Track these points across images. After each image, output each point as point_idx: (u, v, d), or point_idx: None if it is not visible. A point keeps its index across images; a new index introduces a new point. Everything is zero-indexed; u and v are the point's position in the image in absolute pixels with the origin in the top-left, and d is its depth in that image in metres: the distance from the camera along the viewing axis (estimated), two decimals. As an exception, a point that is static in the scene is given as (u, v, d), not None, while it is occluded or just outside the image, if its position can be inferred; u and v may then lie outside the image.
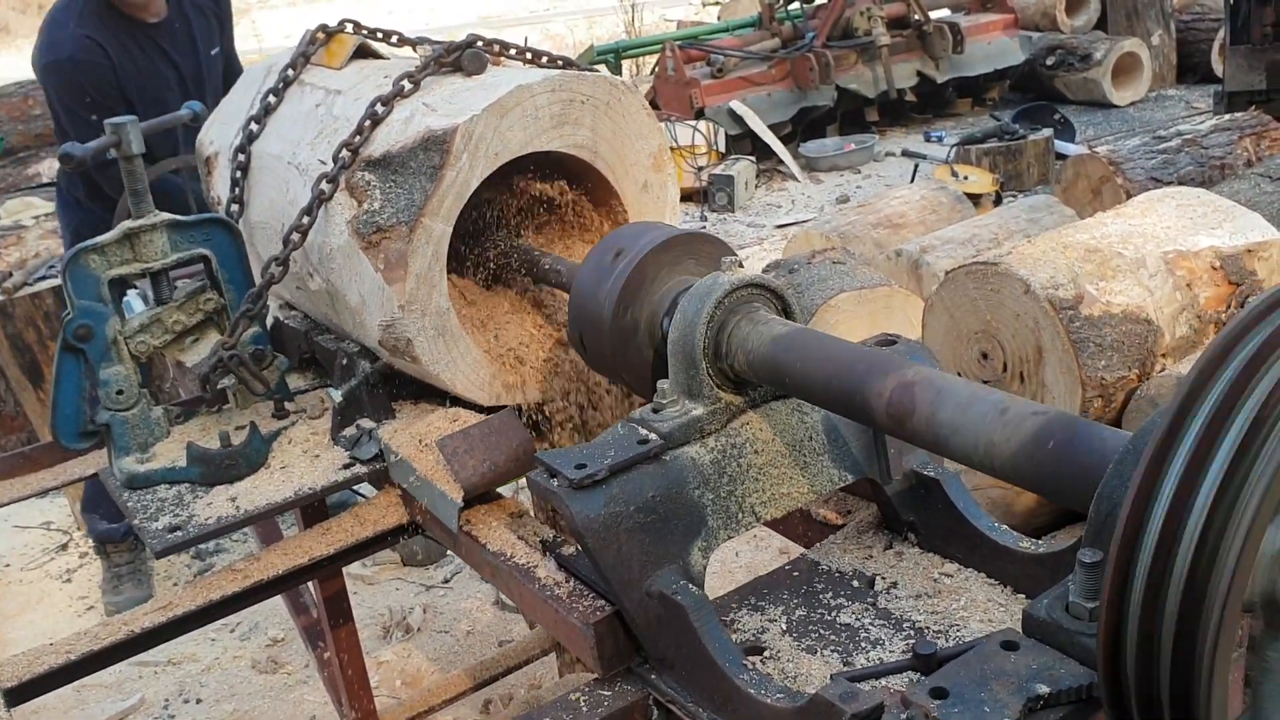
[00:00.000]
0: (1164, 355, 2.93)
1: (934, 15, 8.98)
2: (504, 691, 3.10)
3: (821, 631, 1.34)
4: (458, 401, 1.85)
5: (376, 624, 3.56)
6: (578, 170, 1.94)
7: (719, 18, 11.63)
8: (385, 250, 1.72)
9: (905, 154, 8.30)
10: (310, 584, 2.53)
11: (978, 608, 1.33)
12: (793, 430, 1.43)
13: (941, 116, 9.40)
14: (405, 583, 3.80)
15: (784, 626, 1.35)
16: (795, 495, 1.41)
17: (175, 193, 2.98)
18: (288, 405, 1.99)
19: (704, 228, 7.32)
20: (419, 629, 3.53)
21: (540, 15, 18.04)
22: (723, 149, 8.12)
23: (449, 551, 2.53)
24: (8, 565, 4.21)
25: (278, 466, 1.84)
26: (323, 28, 2.20)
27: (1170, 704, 0.86)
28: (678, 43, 8.82)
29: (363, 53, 2.17)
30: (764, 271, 4.17)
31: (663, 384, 1.39)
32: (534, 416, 1.87)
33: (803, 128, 8.68)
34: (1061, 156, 6.94)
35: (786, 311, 1.46)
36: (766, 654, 1.31)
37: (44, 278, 4.39)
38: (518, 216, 2.01)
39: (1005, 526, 1.41)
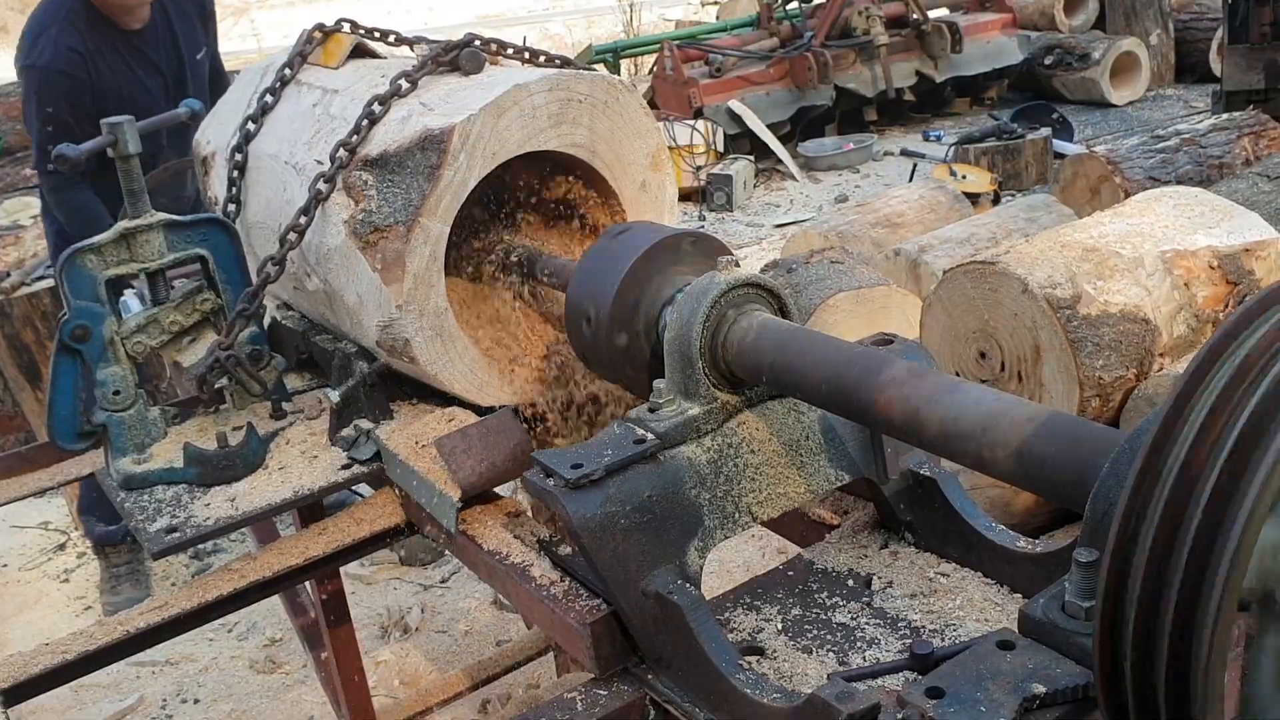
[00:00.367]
0: (1162, 354, 2.93)
1: (932, 15, 8.99)
2: (502, 691, 3.10)
3: (817, 631, 1.34)
4: (456, 402, 1.85)
5: (375, 624, 3.56)
6: (575, 170, 1.93)
7: (717, 17, 11.64)
8: (382, 250, 1.72)
9: (904, 153, 8.31)
10: (308, 584, 2.53)
11: (974, 607, 1.33)
12: (789, 430, 1.42)
13: (940, 116, 9.40)
14: (403, 582, 3.80)
15: (780, 626, 1.35)
16: (792, 495, 1.41)
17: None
18: (285, 406, 1.99)
19: (702, 227, 7.32)
20: (417, 629, 3.53)
21: (538, 15, 18.04)
22: (721, 148, 8.12)
23: (447, 551, 2.53)
24: (5, 565, 4.21)
25: (275, 467, 1.83)
26: (319, 27, 2.20)
27: (1167, 703, 0.86)
28: (676, 42, 8.82)
29: (360, 52, 2.17)
30: (762, 271, 4.17)
31: (659, 384, 1.39)
32: (531, 416, 1.87)
33: (801, 127, 8.68)
34: (1060, 156, 6.94)
35: (783, 311, 1.45)
36: (763, 654, 1.31)
37: (41, 277, 4.39)
38: (515, 216, 2.01)
39: (1002, 526, 1.41)
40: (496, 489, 1.74)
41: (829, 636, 1.32)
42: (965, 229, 4.51)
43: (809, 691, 1.07)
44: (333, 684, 2.59)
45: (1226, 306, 3.03)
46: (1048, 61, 9.21)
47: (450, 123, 1.70)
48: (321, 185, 1.78)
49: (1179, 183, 4.53)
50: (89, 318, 1.79)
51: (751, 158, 8.08)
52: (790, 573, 1.47)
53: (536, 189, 1.99)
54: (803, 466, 1.42)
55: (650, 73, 9.30)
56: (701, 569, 1.32)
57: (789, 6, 9.16)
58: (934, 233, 4.55)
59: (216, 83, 3.55)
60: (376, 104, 1.80)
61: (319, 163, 1.84)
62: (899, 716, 0.95)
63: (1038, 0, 9.80)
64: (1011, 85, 9.54)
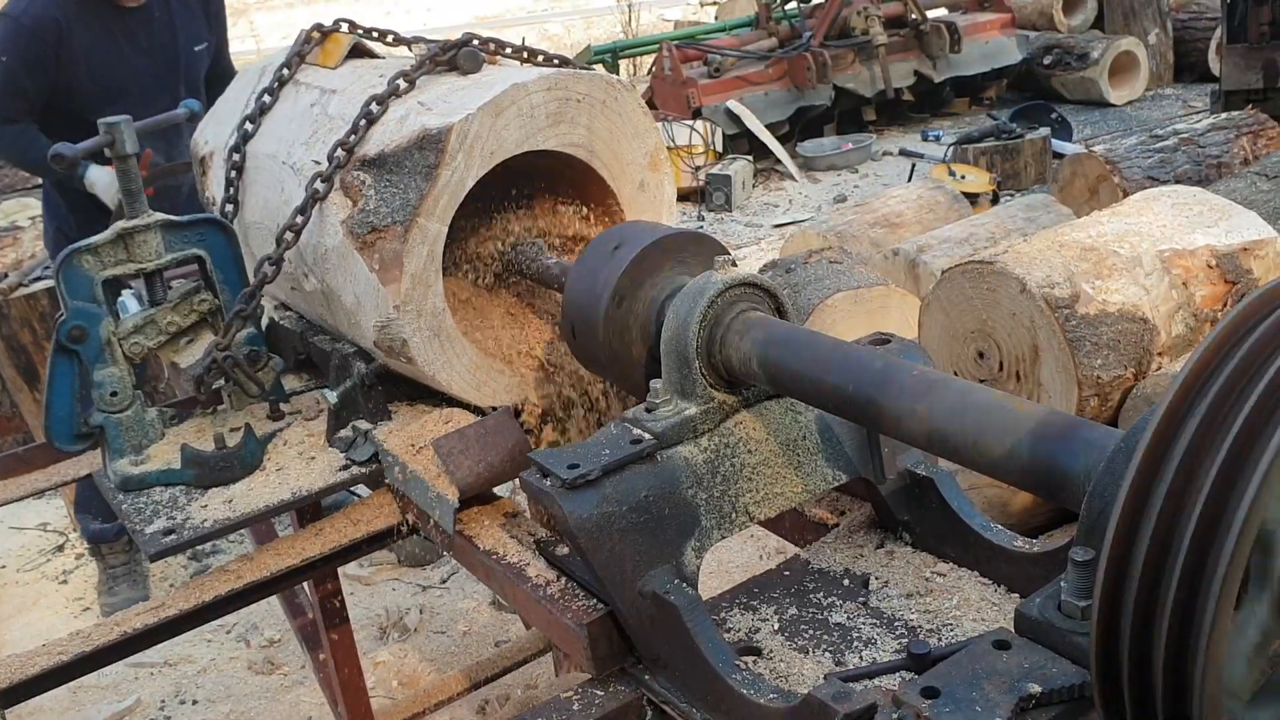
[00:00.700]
0: (1160, 354, 2.93)
1: (931, 14, 8.99)
2: (500, 692, 3.10)
3: (814, 631, 1.34)
4: (453, 402, 1.85)
5: (373, 624, 3.56)
6: (573, 169, 1.93)
7: (716, 17, 11.64)
8: (380, 250, 1.72)
9: (903, 153, 8.31)
10: (306, 585, 2.53)
11: (971, 607, 1.33)
12: (786, 429, 1.42)
13: (939, 116, 9.41)
14: (402, 583, 3.80)
15: (776, 626, 1.35)
16: (789, 495, 1.41)
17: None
18: (283, 407, 1.98)
19: (701, 227, 7.32)
20: (416, 629, 3.53)
21: (537, 15, 18.04)
22: (720, 148, 8.12)
23: (445, 552, 2.53)
24: (4, 567, 4.20)
25: (273, 468, 1.83)
26: (318, 27, 2.20)
27: (1163, 702, 0.86)
28: (675, 42, 8.83)
29: (358, 52, 2.16)
30: (761, 271, 4.17)
31: (656, 383, 1.39)
32: (529, 417, 1.87)
33: (800, 127, 8.68)
34: (1059, 156, 6.94)
35: (780, 310, 1.45)
36: (760, 654, 1.31)
37: (39, 278, 4.38)
38: (513, 215, 2.01)
39: (999, 525, 1.41)
40: (494, 489, 1.74)
41: (826, 636, 1.32)
42: (964, 229, 4.51)
43: (805, 692, 1.07)
44: (331, 685, 2.59)
45: (1225, 305, 3.03)
46: (1046, 61, 9.21)
47: (448, 122, 1.70)
48: (319, 185, 1.78)
49: (1177, 182, 4.53)
50: (86, 318, 1.79)
51: (750, 158, 8.08)
52: (787, 573, 1.47)
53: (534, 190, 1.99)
54: (800, 466, 1.42)
55: (649, 73, 9.31)
56: (698, 569, 1.32)
57: (787, 6, 9.16)
58: (932, 232, 4.55)
59: (223, 80, 3.54)
60: (374, 104, 1.80)
61: (316, 163, 1.84)
62: (894, 716, 0.95)
63: (1036, 0, 9.81)
64: (1010, 85, 9.54)
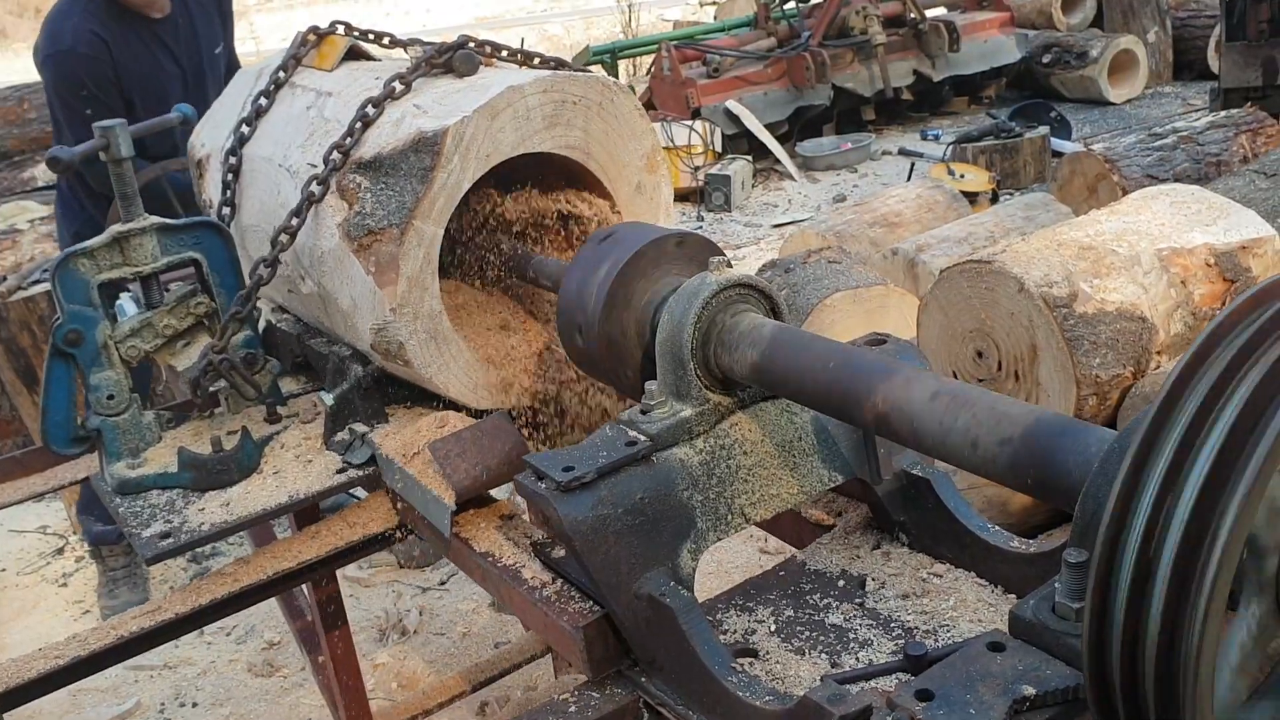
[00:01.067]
0: (1159, 352, 2.93)
1: (930, 13, 9.00)
2: (500, 693, 3.10)
3: (810, 632, 1.34)
4: (451, 405, 1.85)
5: (373, 626, 3.56)
6: (571, 171, 1.93)
7: (715, 17, 11.64)
8: (376, 253, 1.72)
9: (902, 152, 8.31)
10: (304, 587, 2.53)
11: (967, 608, 1.33)
12: (782, 431, 1.42)
13: (938, 115, 9.41)
14: (401, 585, 3.80)
15: (772, 627, 1.35)
16: (785, 496, 1.41)
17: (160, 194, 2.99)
18: (280, 409, 1.98)
19: (701, 227, 7.32)
20: (415, 631, 3.53)
21: (537, 16, 18.05)
22: (719, 148, 8.12)
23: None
24: (3, 570, 4.21)
25: (270, 471, 1.83)
26: (314, 29, 2.20)
27: (1155, 704, 0.86)
28: (674, 43, 8.83)
29: (354, 54, 2.16)
30: (760, 271, 4.18)
31: (651, 385, 1.39)
32: (526, 419, 1.87)
33: (799, 127, 8.69)
34: (1058, 154, 6.95)
35: (775, 311, 1.45)
36: (756, 655, 1.31)
37: (38, 281, 4.38)
38: (510, 217, 2.01)
39: (996, 526, 1.41)
40: (491, 491, 1.74)
41: (822, 638, 1.32)
42: (963, 228, 4.51)
43: (801, 694, 1.07)
44: (330, 687, 2.59)
45: (1223, 304, 3.03)
46: (1045, 60, 9.21)
47: (444, 125, 1.70)
48: (315, 187, 1.78)
49: (1177, 180, 4.53)
50: (82, 322, 1.79)
51: (749, 158, 8.08)
52: (783, 574, 1.47)
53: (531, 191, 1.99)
54: (795, 467, 1.42)
55: (648, 73, 9.30)
56: (694, 571, 1.32)
57: (786, 6, 9.17)
58: (931, 232, 4.55)
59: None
60: (370, 106, 1.80)
61: (312, 165, 1.84)
62: (889, 719, 0.95)
63: (1035, -2, 9.82)
64: (1009, 84, 9.54)
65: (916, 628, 1.31)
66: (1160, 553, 0.82)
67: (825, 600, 1.39)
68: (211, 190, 2.20)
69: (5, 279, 4.43)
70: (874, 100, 8.83)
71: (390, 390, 1.93)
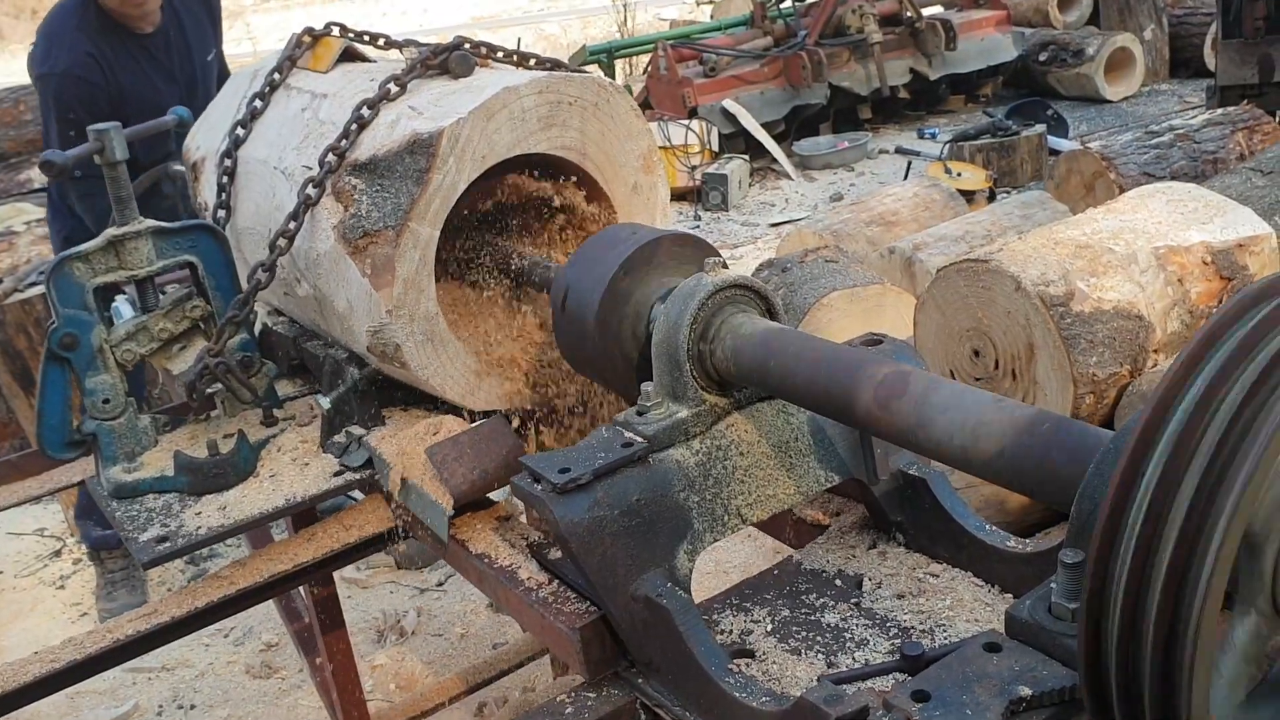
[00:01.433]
0: (1156, 351, 2.93)
1: (926, 12, 8.99)
2: (498, 694, 3.10)
3: (807, 633, 1.34)
4: (447, 407, 1.85)
5: (371, 627, 3.56)
6: (567, 172, 1.93)
7: (712, 17, 11.64)
8: (372, 255, 1.72)
9: (899, 151, 8.31)
10: (302, 589, 2.52)
11: (964, 607, 1.33)
12: (778, 431, 1.42)
13: (934, 113, 9.41)
14: (399, 586, 3.79)
15: (769, 628, 1.35)
16: (781, 497, 1.41)
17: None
18: (276, 412, 1.98)
19: (698, 227, 7.32)
20: (413, 632, 3.53)
21: (534, 15, 18.04)
22: (716, 148, 8.12)
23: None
24: (1, 572, 4.20)
25: (267, 475, 1.83)
26: (308, 31, 2.20)
27: (1151, 704, 0.85)
28: (670, 42, 8.82)
29: (349, 56, 2.16)
30: (757, 270, 4.17)
31: (647, 386, 1.39)
32: (524, 421, 1.87)
33: (796, 126, 8.68)
34: (1055, 152, 6.94)
35: (770, 312, 1.45)
36: (753, 656, 1.31)
37: (35, 284, 4.38)
38: (507, 218, 2.01)
39: (993, 526, 1.41)
40: (489, 494, 1.74)
41: (818, 638, 1.32)
42: (960, 226, 4.51)
43: (798, 694, 1.07)
44: (328, 688, 2.59)
45: (1220, 302, 3.03)
46: (1042, 58, 9.21)
47: (439, 126, 1.70)
48: (310, 190, 1.78)
49: (1174, 178, 4.53)
50: (77, 326, 1.79)
51: (746, 157, 8.08)
52: (779, 574, 1.46)
53: (535, 189, 1.98)
54: (792, 468, 1.42)
55: (645, 73, 9.30)
56: (691, 572, 1.32)
57: (782, 5, 9.17)
58: (929, 231, 4.55)
59: (222, 83, 3.55)
60: (365, 108, 1.79)
61: (308, 168, 1.84)
62: (885, 720, 0.95)
63: (1031, -4, 9.82)
64: (1006, 82, 9.54)
65: (913, 627, 1.31)
66: (1156, 553, 0.82)
67: (822, 600, 1.39)
68: (207, 193, 2.19)
69: (2, 281, 4.42)
70: (871, 99, 8.83)
71: (387, 393, 1.92)
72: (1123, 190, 4.44)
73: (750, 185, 8.06)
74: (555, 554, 1.51)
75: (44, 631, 3.76)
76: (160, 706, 3.33)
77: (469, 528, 1.63)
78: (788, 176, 8.18)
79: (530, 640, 2.83)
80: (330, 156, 1.77)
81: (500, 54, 2.00)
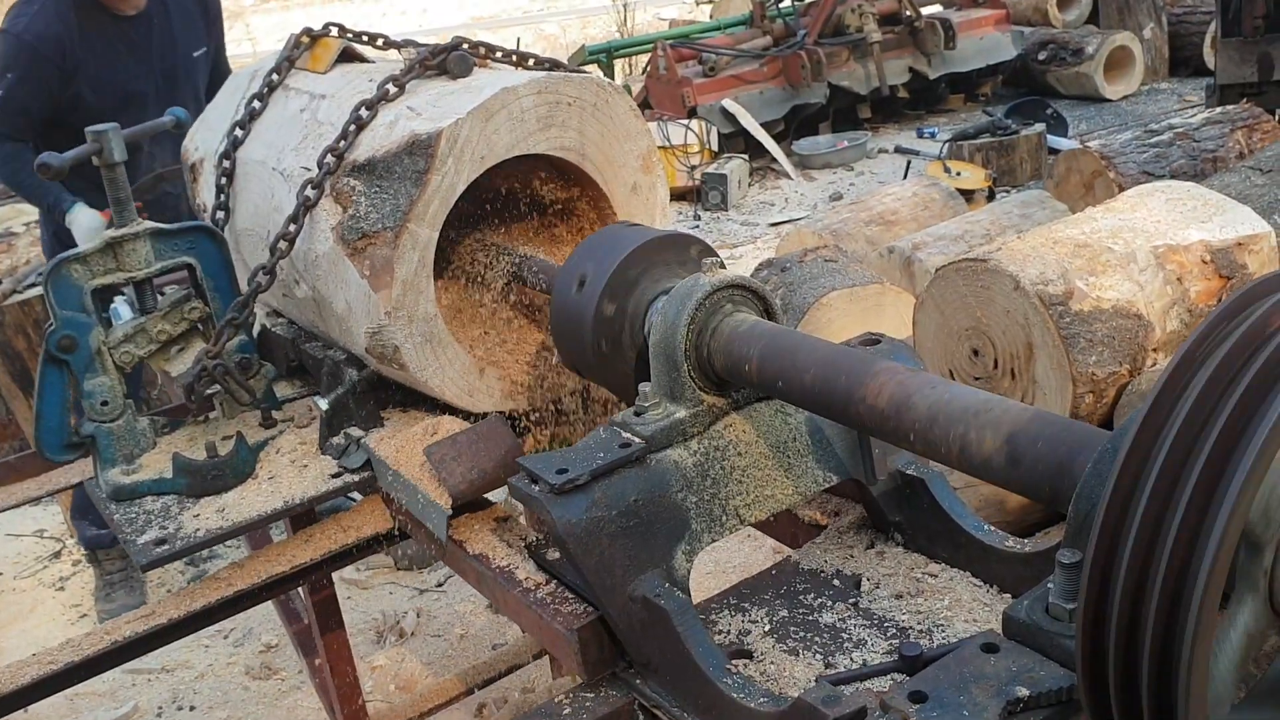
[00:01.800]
0: (1155, 350, 2.92)
1: (925, 11, 8.99)
2: (498, 695, 3.10)
3: (805, 633, 1.33)
4: (446, 408, 1.85)
5: (370, 628, 3.56)
6: (566, 173, 1.93)
7: (711, 16, 11.63)
8: (371, 256, 1.72)
9: (898, 150, 8.31)
10: (301, 590, 2.52)
11: (962, 608, 1.33)
12: (776, 432, 1.42)
13: (934, 113, 9.41)
14: (399, 587, 3.79)
15: (767, 628, 1.35)
16: (779, 497, 1.41)
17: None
18: (275, 414, 1.98)
19: (697, 226, 7.32)
20: (413, 633, 3.52)
21: (533, 15, 18.03)
22: (715, 148, 8.12)
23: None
24: (0, 574, 4.20)
25: (265, 476, 1.83)
26: (307, 31, 2.20)
27: (1149, 705, 0.85)
28: (669, 42, 8.82)
29: (348, 56, 2.16)
30: (757, 270, 4.17)
31: (644, 387, 1.39)
32: (522, 422, 1.87)
33: (795, 125, 8.68)
34: (1054, 151, 6.94)
35: (768, 312, 1.45)
36: (750, 656, 1.31)
37: (33, 285, 4.38)
38: (505, 219, 2.01)
39: (991, 526, 1.41)
40: (487, 494, 1.74)
41: (816, 638, 1.32)
42: (959, 226, 4.51)
43: (796, 695, 1.07)
44: (327, 690, 2.59)
45: (1219, 301, 3.03)
46: (1041, 57, 9.21)
47: (438, 127, 1.69)
48: (309, 191, 1.78)
49: (1173, 177, 4.53)
50: (75, 328, 1.79)
51: (746, 157, 8.08)
52: (778, 574, 1.46)
53: (537, 191, 1.99)
54: (790, 468, 1.42)
55: (644, 73, 9.30)
56: (689, 572, 1.32)
57: (782, 5, 9.17)
58: (928, 230, 4.55)
59: (221, 84, 3.55)
60: (364, 109, 1.79)
61: (306, 169, 1.84)
62: (882, 721, 0.95)
63: (1031, -4, 9.81)
64: (1005, 81, 9.54)
65: (911, 628, 1.31)
66: (1155, 553, 0.82)
67: (820, 600, 1.39)
68: (205, 194, 2.19)
69: (1, 282, 4.42)
70: (870, 98, 8.83)
71: (385, 394, 1.92)
72: (1122, 189, 4.44)
73: (749, 185, 8.05)
74: (553, 555, 1.51)
75: (43, 633, 3.76)
76: (160, 708, 3.33)
77: (467, 528, 1.63)
78: (787, 176, 8.18)
79: (529, 641, 2.83)
80: (329, 158, 1.77)
81: (499, 54, 2.00)
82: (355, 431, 1.85)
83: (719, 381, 1.41)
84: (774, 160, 8.30)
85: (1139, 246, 2.97)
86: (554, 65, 2.01)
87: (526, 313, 1.96)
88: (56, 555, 4.28)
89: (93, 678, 1.63)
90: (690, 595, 1.30)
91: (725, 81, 8.36)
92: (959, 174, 6.44)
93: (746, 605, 1.40)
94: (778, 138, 8.42)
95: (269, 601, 2.24)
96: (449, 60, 1.87)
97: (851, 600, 1.38)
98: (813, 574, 1.45)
